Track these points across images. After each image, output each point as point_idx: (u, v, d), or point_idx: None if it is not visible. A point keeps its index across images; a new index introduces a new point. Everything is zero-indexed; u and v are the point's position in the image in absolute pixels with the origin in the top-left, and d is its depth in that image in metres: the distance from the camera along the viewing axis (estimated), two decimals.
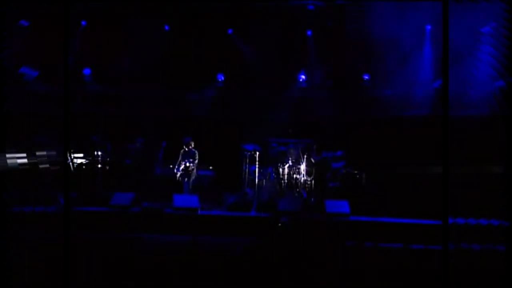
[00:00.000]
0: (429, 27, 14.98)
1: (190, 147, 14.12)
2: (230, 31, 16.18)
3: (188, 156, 14.09)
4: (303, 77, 16.44)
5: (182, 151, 14.18)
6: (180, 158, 14.13)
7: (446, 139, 5.83)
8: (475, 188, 10.33)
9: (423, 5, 13.88)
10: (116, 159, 14.99)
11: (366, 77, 15.97)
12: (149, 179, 14.50)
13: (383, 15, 14.04)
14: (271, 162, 14.87)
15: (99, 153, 14.76)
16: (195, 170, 14.22)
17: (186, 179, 14.12)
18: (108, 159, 14.85)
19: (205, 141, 14.61)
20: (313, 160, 14.57)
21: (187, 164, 14.00)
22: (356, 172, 14.38)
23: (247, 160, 14.86)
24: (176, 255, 9.09)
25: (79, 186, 13.61)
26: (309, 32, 16.04)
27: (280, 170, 14.65)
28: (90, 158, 14.72)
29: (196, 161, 14.16)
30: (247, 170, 14.89)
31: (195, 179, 14.44)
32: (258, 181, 14.34)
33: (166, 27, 16.08)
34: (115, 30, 15.41)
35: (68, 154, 13.38)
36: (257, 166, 14.42)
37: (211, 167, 14.87)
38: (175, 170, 14.11)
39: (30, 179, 12.90)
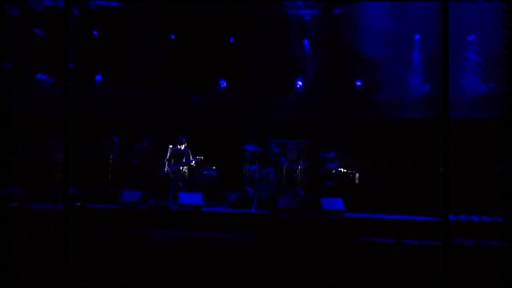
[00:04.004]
0: (417, 36, 14.78)
1: (183, 146, 13.55)
2: (232, 39, 16.05)
3: (183, 155, 13.49)
4: (300, 83, 16.20)
5: (173, 148, 13.50)
6: (171, 155, 13.48)
7: (446, 139, 5.39)
8: (474, 187, 9.98)
9: (413, 15, 13.59)
10: (124, 160, 14.80)
11: (359, 83, 15.80)
12: (155, 178, 14.18)
13: (375, 25, 13.69)
14: (270, 162, 14.67)
15: (109, 154, 14.67)
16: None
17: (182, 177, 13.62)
18: (117, 160, 14.70)
19: (208, 142, 14.22)
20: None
21: (193, 163, 13.47)
22: (350, 171, 14.14)
23: (248, 160, 14.78)
24: (180, 250, 9.06)
25: (90, 185, 13.39)
26: (305, 41, 15.86)
27: (279, 169, 14.44)
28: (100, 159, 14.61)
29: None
30: (248, 169, 14.75)
31: (198, 177, 14.28)
32: (258, 180, 14.21)
33: (172, 36, 16.00)
34: (124, 39, 15.26)
35: None
36: (257, 165, 14.39)
37: (214, 167, 14.60)
38: (169, 167, 13.46)
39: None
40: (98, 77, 16.12)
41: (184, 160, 13.41)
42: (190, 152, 13.50)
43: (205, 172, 14.46)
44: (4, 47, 6.50)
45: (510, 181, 6.49)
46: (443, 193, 5.50)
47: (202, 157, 13.38)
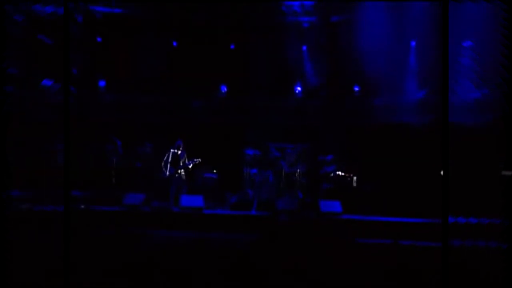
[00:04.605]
0: (414, 42, 14.65)
1: (180, 150, 13.48)
2: (232, 46, 15.97)
3: (180, 159, 13.41)
4: (299, 88, 16.05)
5: (169, 152, 13.41)
6: (168, 159, 13.38)
7: (446, 141, 5.21)
8: (472, 189, 9.87)
9: (410, 22, 13.49)
10: (128, 163, 14.68)
11: (356, 88, 15.65)
12: (158, 181, 13.97)
13: (372, 32, 13.64)
14: (270, 165, 14.61)
15: (113, 158, 14.54)
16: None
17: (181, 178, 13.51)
18: (120, 163, 14.62)
19: (209, 146, 14.20)
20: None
21: (190, 166, 13.41)
22: (347, 174, 14.06)
23: (248, 163, 14.78)
24: (182, 250, 8.93)
25: (95, 188, 13.33)
26: (304, 47, 15.79)
27: (279, 172, 14.39)
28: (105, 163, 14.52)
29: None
30: (248, 172, 14.73)
31: (200, 180, 14.25)
32: (258, 183, 14.16)
33: (174, 43, 15.93)
34: (128, 45, 15.29)
35: None
36: (257, 168, 14.37)
37: (215, 170, 14.55)
38: (169, 170, 13.35)
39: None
40: (102, 83, 16.02)
41: (181, 164, 13.34)
42: (186, 156, 13.44)
43: (206, 175, 14.39)
44: (4, 48, 6.35)
45: (508, 183, 6.34)
46: (443, 194, 5.33)
47: (199, 160, 13.33)
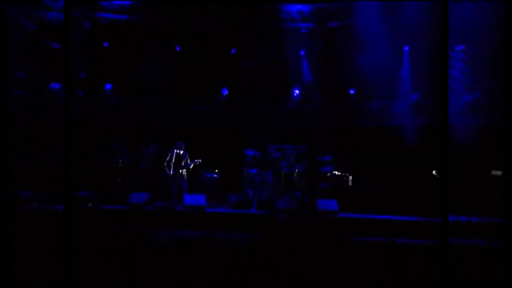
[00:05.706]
0: (407, 48, 14.59)
1: (182, 150, 13.39)
2: (233, 51, 15.91)
3: (181, 159, 13.33)
4: (297, 91, 15.97)
5: (171, 153, 13.32)
6: (170, 160, 13.30)
7: (446, 142, 4.98)
8: (472, 188, 9.68)
9: (402, 28, 13.40)
10: (133, 163, 14.58)
11: (352, 92, 15.56)
12: (161, 181, 13.77)
13: (368, 36, 13.59)
14: (269, 166, 14.60)
15: (119, 159, 14.39)
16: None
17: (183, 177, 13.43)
18: (126, 164, 14.48)
19: (210, 147, 14.03)
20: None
21: (191, 166, 13.34)
22: (344, 174, 13.96)
23: (249, 164, 14.70)
24: (185, 248, 8.82)
25: (101, 187, 13.17)
26: (302, 52, 15.78)
27: (278, 173, 14.38)
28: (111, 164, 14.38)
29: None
30: (248, 173, 14.65)
31: (202, 179, 14.13)
32: (258, 183, 14.13)
33: (178, 48, 15.87)
34: (133, 50, 15.25)
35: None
36: (257, 169, 14.36)
37: (216, 170, 14.43)
38: (170, 171, 13.28)
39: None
40: (108, 86, 15.91)
41: (183, 164, 13.24)
42: (188, 156, 13.34)
43: (208, 175, 14.28)
44: (4, 48, 6.15)
45: (508, 182, 6.12)
46: (442, 194, 5.10)
47: (200, 160, 13.24)
